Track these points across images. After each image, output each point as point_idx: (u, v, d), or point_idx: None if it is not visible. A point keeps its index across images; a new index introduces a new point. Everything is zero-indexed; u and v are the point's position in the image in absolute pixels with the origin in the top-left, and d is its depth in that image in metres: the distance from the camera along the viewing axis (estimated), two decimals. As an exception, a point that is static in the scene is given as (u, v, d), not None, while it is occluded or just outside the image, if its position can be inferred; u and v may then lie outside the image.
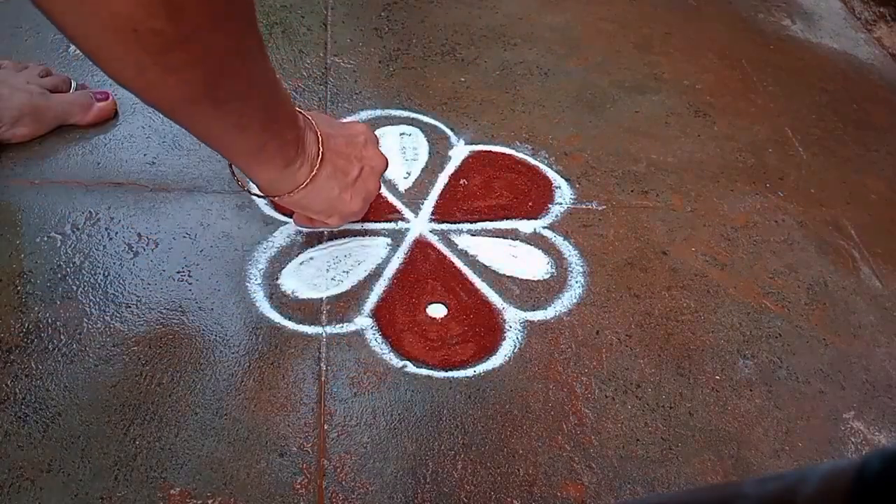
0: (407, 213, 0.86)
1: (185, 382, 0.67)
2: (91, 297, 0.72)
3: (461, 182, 0.91)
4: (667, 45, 1.21)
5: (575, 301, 0.81)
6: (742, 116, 1.10)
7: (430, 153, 0.94)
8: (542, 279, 0.82)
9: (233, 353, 0.70)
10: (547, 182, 0.93)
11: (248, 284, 0.76)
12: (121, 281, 0.74)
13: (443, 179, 0.91)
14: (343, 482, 0.63)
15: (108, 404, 0.65)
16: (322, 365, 0.71)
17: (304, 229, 0.81)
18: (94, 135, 0.87)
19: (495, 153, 0.96)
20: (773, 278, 0.88)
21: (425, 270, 0.81)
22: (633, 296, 0.82)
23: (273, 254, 0.79)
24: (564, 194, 0.92)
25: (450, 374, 0.72)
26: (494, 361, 0.74)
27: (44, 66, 0.88)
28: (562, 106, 1.05)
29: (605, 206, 0.92)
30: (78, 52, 0.97)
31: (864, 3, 1.43)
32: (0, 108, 0.80)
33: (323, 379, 0.70)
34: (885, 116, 1.16)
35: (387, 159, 0.77)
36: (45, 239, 0.76)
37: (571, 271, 0.84)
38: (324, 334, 0.73)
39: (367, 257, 0.81)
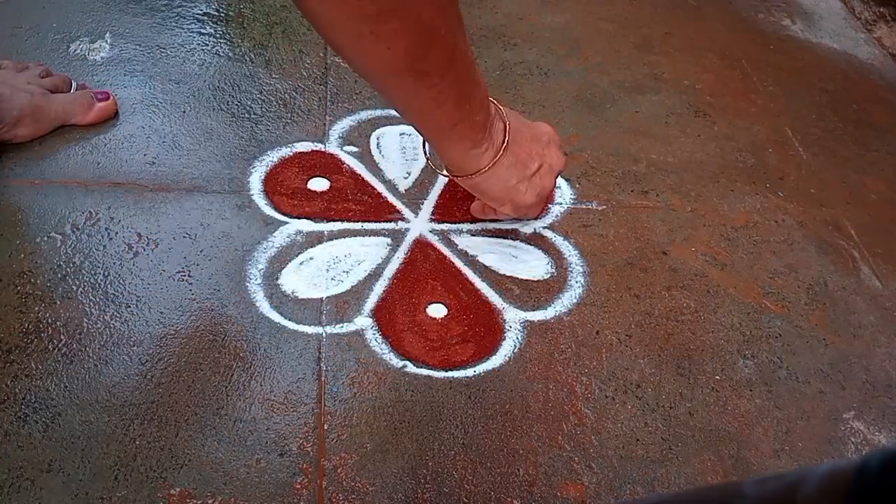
0: (407, 212, 0.86)
1: (184, 382, 0.67)
2: (91, 297, 0.72)
3: (461, 182, 0.91)
4: (667, 45, 1.21)
5: (575, 301, 0.81)
6: (742, 116, 1.10)
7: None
8: (542, 279, 0.82)
9: (233, 353, 0.70)
10: (547, 182, 0.93)
11: (248, 284, 0.76)
12: (121, 281, 0.74)
13: (443, 179, 0.91)
14: (343, 482, 0.63)
15: (108, 404, 0.65)
16: (322, 365, 0.71)
17: (479, 217, 0.86)
18: (94, 135, 0.87)
19: (495, 153, 0.96)
20: (773, 278, 0.88)
21: (425, 270, 0.81)
22: (633, 296, 0.82)
23: (273, 254, 0.79)
24: (564, 194, 0.92)
25: (450, 374, 0.72)
26: (494, 361, 0.74)
27: (44, 66, 0.88)
28: (562, 106, 1.05)
29: (605, 206, 0.92)
30: (78, 51, 0.97)
31: (864, 3, 1.43)
32: (1, 109, 0.80)
33: (323, 379, 0.70)
34: (885, 116, 1.16)
35: (566, 161, 0.81)
36: (45, 239, 0.76)
37: (571, 271, 0.84)
38: (324, 334, 0.73)
39: (367, 257, 0.81)
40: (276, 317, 0.74)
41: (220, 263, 0.77)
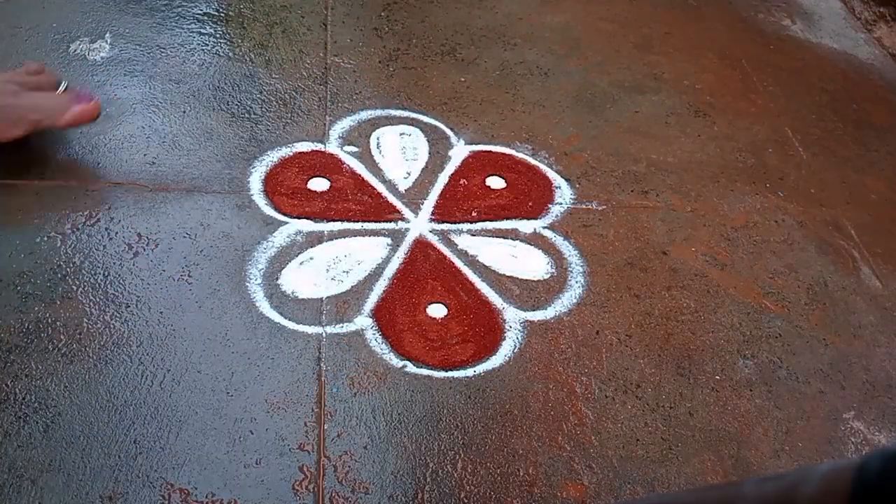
0: (407, 213, 0.86)
1: (185, 382, 0.67)
2: (91, 297, 0.72)
3: (461, 182, 0.91)
4: (667, 45, 1.21)
5: (575, 301, 0.81)
6: (742, 116, 1.10)
7: (430, 153, 0.94)
8: (542, 279, 0.82)
9: (232, 353, 0.70)
10: (547, 182, 0.93)
11: (248, 284, 0.76)
12: (121, 281, 0.74)
13: (443, 179, 0.91)
14: (343, 482, 0.63)
15: (108, 404, 0.65)
16: (322, 365, 0.71)
17: None
18: (94, 135, 0.87)
19: (495, 153, 0.96)
20: (773, 278, 0.88)
21: (425, 270, 0.81)
22: (633, 296, 0.82)
23: (273, 254, 0.79)
24: (564, 194, 0.92)
25: (450, 374, 0.72)
26: (494, 361, 0.74)
27: (39, 64, 0.86)
28: (562, 106, 1.05)
29: (605, 206, 0.92)
30: (78, 51, 0.97)
31: (864, 3, 1.43)
32: None
33: (323, 379, 0.70)
34: (885, 116, 1.16)
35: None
36: (45, 239, 0.76)
37: (571, 271, 0.84)
38: (324, 334, 0.73)
39: (367, 257, 0.81)
40: (276, 317, 0.74)
41: (220, 263, 0.77)
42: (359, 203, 0.86)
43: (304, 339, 0.73)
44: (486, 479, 0.65)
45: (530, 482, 0.66)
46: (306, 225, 0.83)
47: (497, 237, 0.86)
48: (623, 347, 0.77)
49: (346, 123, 0.95)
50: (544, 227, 0.88)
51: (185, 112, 0.92)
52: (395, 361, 0.72)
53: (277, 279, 0.77)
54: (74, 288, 0.72)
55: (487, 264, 0.82)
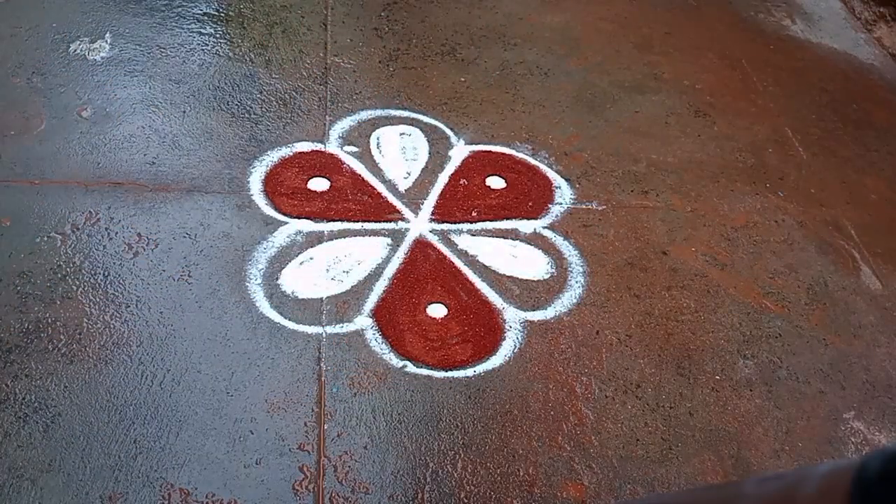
0: (407, 213, 0.86)
1: (185, 382, 0.67)
2: (91, 297, 0.72)
3: (461, 182, 0.91)
4: (667, 45, 1.21)
5: (575, 301, 0.81)
6: (742, 116, 1.10)
7: (430, 153, 0.94)
8: (542, 279, 0.82)
9: (232, 353, 0.70)
10: (547, 182, 0.93)
11: (248, 284, 0.76)
12: (121, 281, 0.74)
13: (443, 179, 0.91)
14: (343, 482, 0.63)
15: (108, 404, 0.65)
16: (322, 365, 0.71)
17: None
18: (94, 135, 0.87)
19: (495, 153, 0.96)
20: (773, 278, 0.88)
21: (425, 270, 0.81)
22: (633, 296, 0.82)
23: (273, 254, 0.79)
24: (564, 194, 0.92)
25: (450, 373, 0.72)
26: (494, 361, 0.74)
27: None
28: (562, 106, 1.05)
29: (605, 206, 0.92)
30: (78, 51, 0.97)
31: (864, 3, 1.43)
32: None
33: (323, 379, 0.70)
34: (885, 116, 1.16)
35: None
36: (45, 239, 0.76)
37: (571, 271, 0.84)
38: (324, 334, 0.73)
39: (367, 257, 0.81)
40: (276, 317, 0.74)
41: (220, 263, 0.77)
42: (359, 203, 0.86)
43: (304, 339, 0.73)
44: (486, 479, 0.65)
45: (530, 482, 0.66)
46: (306, 225, 0.83)
47: (497, 237, 0.86)
48: (623, 347, 0.77)
49: (346, 123, 0.95)
50: (544, 227, 0.88)
51: (185, 112, 0.92)
52: (395, 361, 0.72)
53: (277, 279, 0.77)
54: (74, 288, 0.72)
55: (487, 264, 0.82)
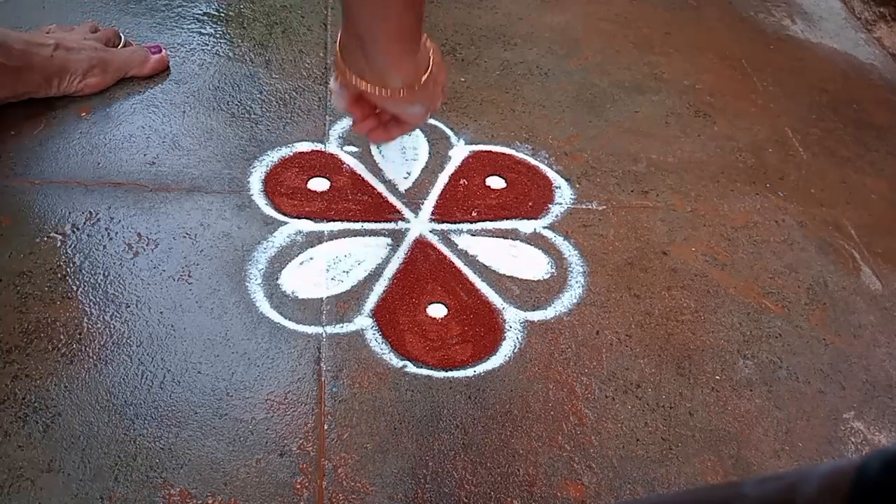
0: (407, 213, 0.86)
1: (185, 382, 0.67)
2: (91, 297, 0.72)
3: (461, 182, 0.91)
4: (667, 45, 1.21)
5: (575, 301, 0.81)
6: (742, 116, 1.10)
7: (430, 153, 0.94)
8: (542, 279, 0.82)
9: (232, 353, 0.70)
10: (547, 182, 0.93)
11: (248, 284, 0.76)
12: (121, 281, 0.74)
13: (443, 179, 0.91)
14: (343, 482, 0.63)
15: (108, 404, 0.65)
16: (322, 365, 0.71)
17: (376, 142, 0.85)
18: (94, 135, 0.87)
19: (495, 153, 0.96)
20: (773, 278, 0.88)
21: (425, 270, 0.81)
22: (633, 296, 0.82)
23: (273, 254, 0.79)
24: (564, 194, 0.92)
25: (450, 374, 0.72)
26: (494, 361, 0.74)
27: (92, 22, 0.94)
28: (562, 106, 1.05)
29: (605, 206, 0.92)
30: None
31: (864, 3, 1.43)
32: (71, 62, 0.87)
33: (323, 379, 0.70)
34: (885, 116, 1.16)
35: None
36: (45, 239, 0.76)
37: (571, 271, 0.84)
38: (324, 334, 0.73)
39: (367, 257, 0.81)
40: (276, 317, 0.74)
41: (220, 263, 0.77)
42: (359, 203, 0.86)
43: (304, 339, 0.73)
44: (486, 479, 0.65)
45: (530, 482, 0.66)
46: (306, 225, 0.83)
47: (497, 237, 0.86)
48: (623, 347, 0.77)
49: (346, 123, 0.95)
50: (544, 227, 0.88)
51: (185, 112, 0.92)
52: (395, 361, 0.72)
53: (277, 279, 0.77)
54: (74, 288, 0.72)
55: (487, 264, 0.83)
